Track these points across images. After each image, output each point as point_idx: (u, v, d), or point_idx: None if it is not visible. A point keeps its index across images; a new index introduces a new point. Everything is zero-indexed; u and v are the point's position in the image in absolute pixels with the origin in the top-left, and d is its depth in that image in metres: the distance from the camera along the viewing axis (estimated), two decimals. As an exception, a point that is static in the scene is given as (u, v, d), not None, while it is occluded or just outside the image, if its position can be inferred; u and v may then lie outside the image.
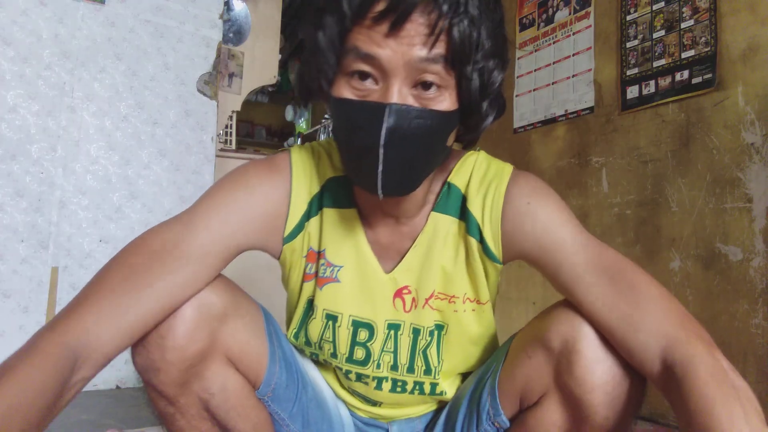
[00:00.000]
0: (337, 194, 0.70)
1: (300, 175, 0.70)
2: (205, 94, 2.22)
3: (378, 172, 0.56)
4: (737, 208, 1.52)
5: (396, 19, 0.52)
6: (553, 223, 0.65)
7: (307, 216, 0.70)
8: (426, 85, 0.56)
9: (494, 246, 0.67)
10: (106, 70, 2.02)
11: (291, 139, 5.39)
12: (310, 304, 0.73)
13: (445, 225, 0.70)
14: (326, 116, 4.29)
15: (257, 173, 0.69)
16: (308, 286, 0.73)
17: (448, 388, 0.77)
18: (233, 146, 2.64)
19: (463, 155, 0.73)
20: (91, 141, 1.99)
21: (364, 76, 0.56)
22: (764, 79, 1.47)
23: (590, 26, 2.02)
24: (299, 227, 0.70)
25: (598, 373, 0.57)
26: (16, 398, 0.47)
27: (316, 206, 0.70)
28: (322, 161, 0.72)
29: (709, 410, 0.46)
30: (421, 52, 0.53)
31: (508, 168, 0.70)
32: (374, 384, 0.74)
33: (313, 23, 0.58)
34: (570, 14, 2.12)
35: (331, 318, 0.71)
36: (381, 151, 0.54)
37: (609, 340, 0.58)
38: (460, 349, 0.74)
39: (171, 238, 0.62)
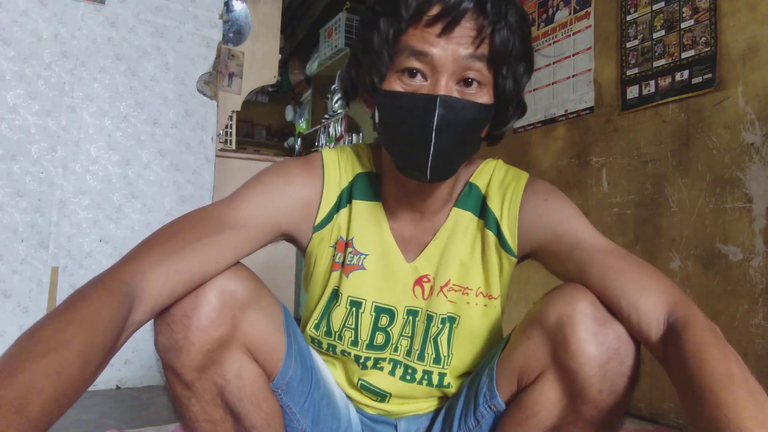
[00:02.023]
0: (366, 188, 0.77)
1: (330, 171, 0.76)
2: (205, 94, 2.22)
3: (429, 155, 0.63)
4: (737, 208, 1.52)
5: (449, 22, 0.61)
6: (569, 216, 0.72)
7: (337, 208, 0.76)
8: (467, 83, 0.64)
9: (511, 239, 0.73)
10: (106, 70, 2.03)
11: (291, 139, 5.39)
12: (335, 293, 0.77)
13: (465, 220, 0.76)
14: (326, 116, 4.29)
15: (294, 166, 0.76)
16: (335, 275, 0.77)
17: (454, 382, 0.79)
18: (233, 146, 2.64)
19: (483, 161, 0.81)
20: (91, 141, 1.99)
21: (413, 74, 0.64)
22: (764, 79, 1.47)
23: (590, 26, 2.02)
24: (329, 218, 0.76)
25: (593, 345, 0.59)
26: (91, 335, 0.48)
27: (345, 199, 0.77)
28: (350, 159, 0.79)
29: (706, 349, 0.51)
30: (467, 50, 0.62)
31: (525, 174, 0.79)
32: (389, 368, 0.78)
33: (368, 26, 0.66)
34: (570, 14, 2.12)
35: (355, 304, 0.75)
36: (433, 135, 0.62)
37: (615, 306, 0.61)
38: (468, 345, 0.77)
39: (216, 209, 0.68)
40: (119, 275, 0.56)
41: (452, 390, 0.80)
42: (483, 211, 0.76)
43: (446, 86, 0.63)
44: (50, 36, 1.93)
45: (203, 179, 2.19)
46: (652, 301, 0.59)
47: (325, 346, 0.79)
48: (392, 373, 0.78)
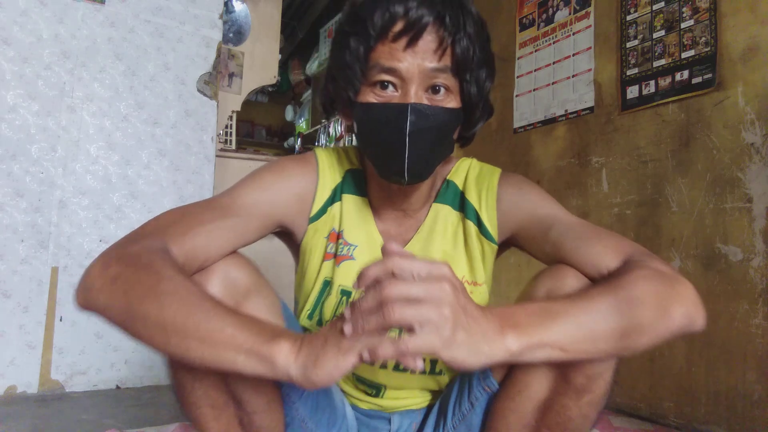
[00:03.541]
0: (354, 184, 0.82)
1: (325, 167, 0.81)
2: (205, 94, 2.22)
3: (405, 159, 0.67)
4: (737, 208, 1.52)
5: (412, 37, 0.66)
6: (544, 200, 0.78)
7: (331, 201, 0.81)
8: (435, 90, 0.69)
9: (490, 226, 0.79)
10: (106, 70, 2.02)
11: (291, 139, 5.39)
12: (326, 284, 0.80)
13: (444, 213, 0.81)
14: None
15: (290, 162, 0.80)
16: (327, 265, 0.80)
17: (446, 370, 0.82)
18: (233, 146, 2.64)
19: (458, 161, 0.86)
20: (91, 141, 1.99)
21: (384, 86, 0.69)
22: (764, 79, 1.47)
23: (590, 26, 2.02)
24: (323, 210, 0.80)
25: None
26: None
27: (338, 194, 0.82)
28: (341, 158, 0.84)
29: (625, 275, 0.59)
30: (432, 63, 0.67)
31: (498, 169, 0.85)
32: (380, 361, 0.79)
33: (340, 45, 0.71)
34: (570, 14, 2.12)
35: (346, 293, 0.79)
36: (407, 140, 0.67)
37: (588, 268, 0.66)
38: None
39: (217, 199, 0.72)
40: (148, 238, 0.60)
41: (445, 379, 0.82)
42: (462, 205, 0.81)
43: (416, 95, 0.67)
44: (50, 36, 1.93)
45: (203, 179, 2.19)
46: (611, 257, 0.65)
47: None
48: (384, 365, 0.80)
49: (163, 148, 2.12)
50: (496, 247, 0.80)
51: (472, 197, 0.80)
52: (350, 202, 0.81)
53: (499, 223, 0.78)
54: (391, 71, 0.68)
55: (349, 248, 0.79)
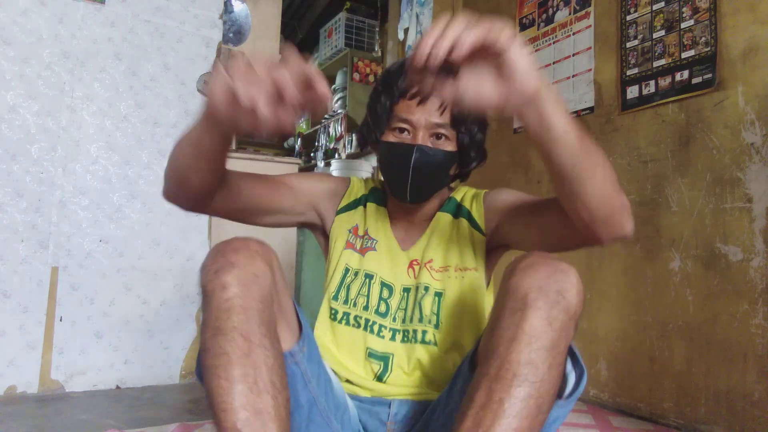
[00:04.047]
0: (377, 197, 1.08)
1: (355, 182, 1.10)
2: (205, 94, 2.22)
3: (408, 185, 0.94)
4: (737, 208, 1.52)
5: (421, 99, 0.93)
6: (517, 193, 0.98)
7: (356, 205, 1.06)
8: (438, 136, 0.95)
9: (479, 219, 1.00)
10: (106, 70, 2.03)
11: (291, 139, 5.38)
12: (347, 271, 1.01)
13: (445, 219, 1.03)
14: (326, 116, 4.30)
15: (329, 174, 1.11)
16: (347, 254, 1.02)
17: (448, 350, 0.94)
18: (233, 146, 2.64)
19: (461, 187, 1.10)
20: (91, 141, 1.99)
21: (401, 130, 0.95)
22: (764, 79, 1.47)
23: (590, 26, 2.02)
24: (349, 208, 1.06)
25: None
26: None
27: (364, 201, 1.07)
28: (368, 182, 1.12)
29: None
30: (435, 118, 0.93)
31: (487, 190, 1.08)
32: (389, 335, 0.96)
33: (374, 99, 1.00)
34: (570, 14, 2.12)
35: (369, 276, 1.00)
36: (411, 170, 0.92)
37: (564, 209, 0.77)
38: (455, 315, 0.95)
39: (272, 178, 0.99)
40: None
41: (436, 347, 0.94)
42: (458, 211, 1.03)
43: (422, 138, 0.93)
44: (50, 36, 1.93)
45: (203, 179, 2.18)
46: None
47: (341, 314, 0.99)
48: (393, 338, 0.96)
49: (163, 148, 2.12)
50: (483, 238, 0.99)
51: (466, 203, 1.03)
52: (373, 209, 1.06)
53: (486, 217, 0.99)
54: (406, 121, 0.94)
55: (372, 242, 1.02)
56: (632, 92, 1.84)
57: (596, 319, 1.90)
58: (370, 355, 0.96)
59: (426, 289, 0.96)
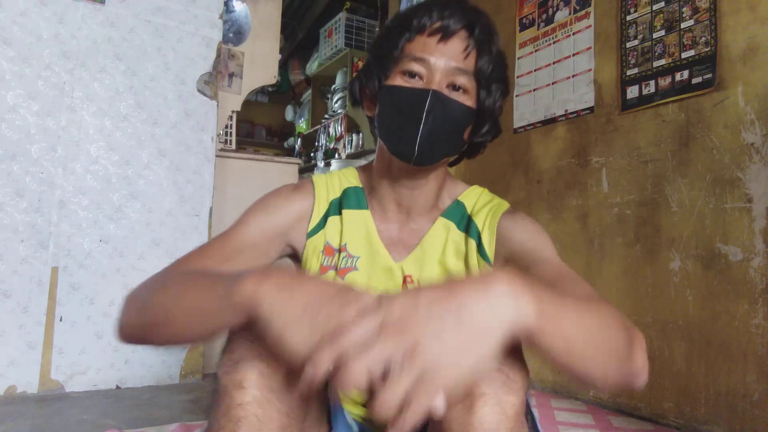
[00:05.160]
0: (354, 199, 0.88)
1: (320, 187, 0.88)
2: (205, 94, 2.22)
3: (418, 136, 0.75)
4: (737, 208, 1.52)
5: (444, 35, 0.77)
6: (537, 236, 0.82)
7: (326, 216, 0.87)
8: (455, 88, 0.77)
9: (488, 248, 0.83)
10: (106, 70, 2.03)
11: (291, 139, 5.39)
12: None
13: (450, 230, 0.85)
14: (326, 116, 4.30)
15: (288, 188, 0.88)
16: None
17: None
18: (233, 146, 2.64)
19: (470, 187, 0.92)
20: (91, 141, 1.99)
21: (412, 75, 0.77)
22: (764, 79, 1.47)
23: (590, 26, 2.02)
24: (320, 225, 0.86)
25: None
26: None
27: (335, 208, 0.87)
28: (338, 179, 0.91)
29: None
30: (456, 63, 0.77)
31: (506, 202, 0.88)
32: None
33: (382, 38, 0.82)
34: (570, 14, 2.12)
35: None
36: (423, 119, 0.75)
37: None
38: None
39: (221, 238, 0.79)
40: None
41: None
42: (468, 226, 0.85)
43: (438, 84, 0.76)
44: (50, 36, 1.93)
45: (203, 179, 2.19)
46: None
47: None
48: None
49: (163, 148, 2.12)
50: (491, 268, 0.81)
51: (478, 220, 0.85)
52: (351, 215, 0.86)
53: (497, 248, 0.82)
54: (420, 61, 0.76)
55: (352, 260, 0.84)
56: (632, 92, 1.84)
57: (596, 319, 1.90)
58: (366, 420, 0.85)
59: None
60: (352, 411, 0.84)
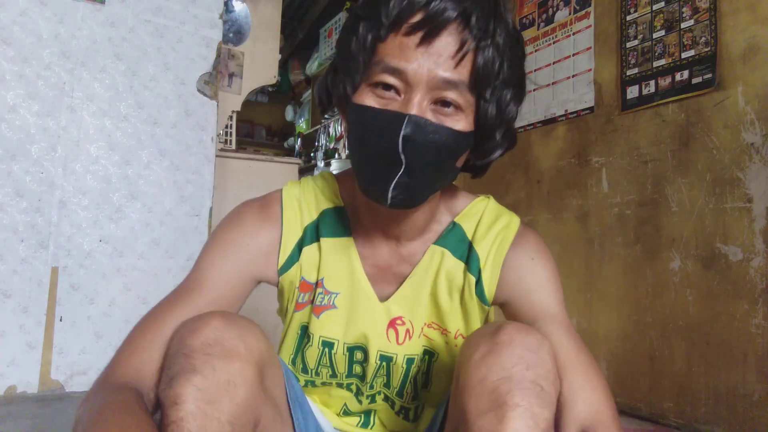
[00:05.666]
0: (334, 224, 0.72)
1: (289, 212, 0.72)
2: (205, 94, 2.22)
3: (390, 178, 0.57)
4: (737, 208, 1.52)
5: (428, 31, 0.55)
6: (547, 286, 0.69)
7: (300, 246, 0.72)
8: (445, 103, 0.58)
9: (488, 289, 0.70)
10: (106, 70, 2.02)
11: (291, 139, 5.39)
12: (304, 331, 0.74)
13: (446, 260, 0.71)
14: (326, 116, 4.30)
15: (249, 213, 0.73)
16: (298, 315, 0.74)
17: (427, 416, 0.77)
18: (233, 146, 2.64)
19: (473, 200, 0.75)
20: (91, 141, 1.99)
21: (387, 87, 0.58)
22: (764, 79, 1.47)
23: (590, 26, 2.02)
24: (292, 258, 0.72)
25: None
26: None
27: (311, 235, 0.72)
28: (314, 195, 0.74)
29: None
30: (444, 72, 0.56)
31: (516, 220, 0.73)
32: (368, 401, 0.76)
33: (348, 30, 0.61)
34: (570, 14, 2.12)
35: (327, 345, 0.72)
36: (397, 157, 0.56)
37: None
38: (447, 378, 0.72)
39: (183, 286, 0.67)
40: (121, 380, 0.59)
41: (422, 425, 0.77)
42: (468, 256, 0.71)
43: (419, 105, 0.56)
44: (50, 36, 1.93)
45: (203, 179, 2.19)
46: (584, 407, 0.57)
47: (302, 382, 0.76)
48: (373, 401, 0.75)
49: (163, 148, 2.12)
50: (487, 309, 0.72)
51: (481, 251, 0.70)
52: (330, 245, 0.71)
53: (497, 289, 0.70)
54: (396, 72, 0.56)
55: (330, 297, 0.71)
56: (632, 92, 1.84)
57: (596, 319, 1.90)
58: (346, 413, 0.77)
59: (422, 360, 0.72)
60: (332, 422, 0.79)
